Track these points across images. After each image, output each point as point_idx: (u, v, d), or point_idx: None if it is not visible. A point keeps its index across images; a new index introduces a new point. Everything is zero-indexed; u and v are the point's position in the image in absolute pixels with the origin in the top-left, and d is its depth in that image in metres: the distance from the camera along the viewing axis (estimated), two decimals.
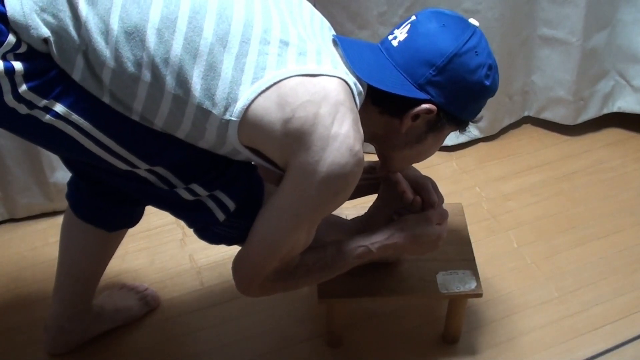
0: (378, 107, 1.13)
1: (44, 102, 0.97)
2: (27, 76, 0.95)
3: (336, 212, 1.24)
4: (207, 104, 0.99)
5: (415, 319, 1.53)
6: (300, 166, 1.02)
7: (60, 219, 1.38)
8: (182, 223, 1.21)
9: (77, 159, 1.13)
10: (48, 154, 1.68)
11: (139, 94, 0.98)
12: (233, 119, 1.00)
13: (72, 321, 1.42)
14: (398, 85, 1.08)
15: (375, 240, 1.21)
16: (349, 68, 1.07)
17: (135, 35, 0.95)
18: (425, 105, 1.10)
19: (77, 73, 0.97)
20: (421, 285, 1.37)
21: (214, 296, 1.60)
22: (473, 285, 1.36)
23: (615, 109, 2.09)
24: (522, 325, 1.52)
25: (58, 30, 0.94)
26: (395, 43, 1.11)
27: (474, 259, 1.41)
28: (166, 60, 0.96)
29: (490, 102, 1.19)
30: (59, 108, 0.98)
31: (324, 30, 1.14)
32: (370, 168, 1.35)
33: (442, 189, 1.33)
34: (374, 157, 1.29)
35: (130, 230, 1.39)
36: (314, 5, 1.19)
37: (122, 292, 1.56)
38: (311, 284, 1.29)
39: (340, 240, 1.22)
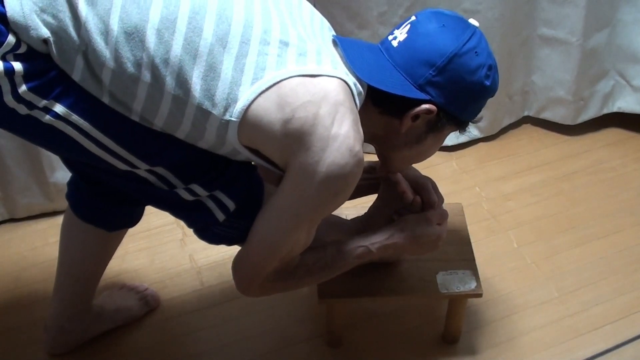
0: (378, 108, 1.13)
1: (43, 103, 0.97)
2: (26, 77, 0.95)
3: (336, 212, 1.24)
4: (206, 105, 0.99)
5: (415, 319, 1.53)
6: (300, 166, 1.02)
7: (60, 219, 1.38)
8: (182, 223, 1.21)
9: (77, 159, 1.13)
10: (48, 154, 1.68)
11: (139, 94, 0.98)
12: (233, 119, 1.00)
13: (72, 321, 1.42)
14: (398, 85, 1.08)
15: (375, 241, 1.22)
16: (348, 68, 1.07)
17: (135, 35, 0.95)
18: (425, 106, 1.10)
19: (77, 73, 0.97)
20: (421, 285, 1.37)
21: (214, 296, 1.60)
22: (473, 285, 1.36)
23: (615, 109, 2.09)
24: (522, 325, 1.52)
25: (58, 31, 0.94)
26: (395, 43, 1.11)
27: (474, 259, 1.41)
28: (166, 61, 0.96)
29: (490, 102, 1.19)
30: (58, 108, 0.98)
31: (324, 30, 1.14)
32: (370, 168, 1.35)
33: (442, 189, 1.33)
34: (374, 157, 1.29)
35: (130, 230, 1.39)
36: (314, 6, 1.19)
37: (122, 292, 1.56)
38: (311, 284, 1.29)
39: (340, 240, 1.22)
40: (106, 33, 0.95)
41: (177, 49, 0.96)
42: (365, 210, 1.39)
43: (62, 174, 1.72)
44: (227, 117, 1.00)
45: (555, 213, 1.82)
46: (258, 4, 1.03)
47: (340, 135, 1.00)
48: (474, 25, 1.11)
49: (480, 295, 1.36)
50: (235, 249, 1.18)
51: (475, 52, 1.08)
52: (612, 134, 2.10)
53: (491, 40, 1.18)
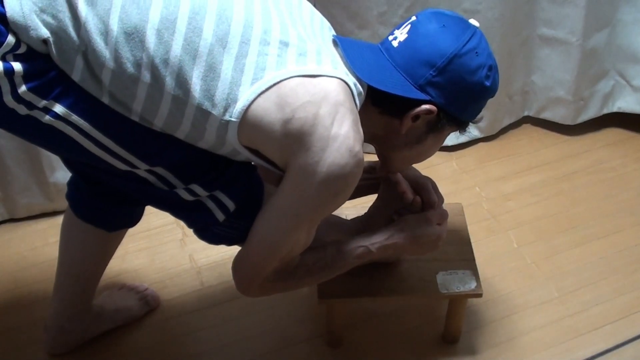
0: (378, 108, 1.13)
1: (43, 103, 0.97)
2: (26, 77, 0.95)
3: (336, 212, 1.24)
4: (206, 105, 0.99)
5: (415, 319, 1.53)
6: (300, 167, 1.02)
7: (60, 219, 1.38)
8: (182, 223, 1.21)
9: (77, 159, 1.13)
10: (48, 154, 1.68)
11: (139, 94, 0.98)
12: (233, 119, 1.00)
13: (72, 321, 1.42)
14: (398, 85, 1.08)
15: (375, 241, 1.21)
16: (349, 68, 1.07)
17: (134, 36, 0.95)
18: (425, 106, 1.10)
19: (77, 74, 0.97)
20: (421, 285, 1.37)
21: (214, 296, 1.60)
22: (473, 285, 1.36)
23: (615, 109, 2.09)
24: (522, 325, 1.52)
25: (57, 31, 0.94)
26: (395, 43, 1.11)
27: (474, 259, 1.41)
28: (166, 61, 0.96)
29: (490, 102, 1.19)
30: (58, 109, 0.98)
31: (324, 30, 1.14)
32: (370, 168, 1.35)
33: (442, 189, 1.33)
34: (374, 157, 1.29)
35: (130, 230, 1.39)
36: (314, 6, 1.19)
37: (122, 292, 1.56)
38: (311, 284, 1.29)
39: (340, 241, 1.22)
40: (106, 33, 0.95)
41: (176, 49, 0.96)
42: (365, 210, 1.39)
43: (62, 174, 1.72)
44: (226, 117, 1.00)
45: (555, 213, 1.82)
46: (258, 4, 1.03)
47: (340, 135, 1.00)
48: (474, 26, 1.11)
49: (480, 295, 1.36)
50: (235, 249, 1.18)
51: (476, 53, 1.08)
52: (612, 134, 2.10)
53: (491, 40, 1.18)
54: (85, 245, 1.35)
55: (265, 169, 1.11)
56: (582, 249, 1.71)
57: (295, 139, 1.00)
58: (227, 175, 1.11)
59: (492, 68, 1.12)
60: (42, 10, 0.93)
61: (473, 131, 2.03)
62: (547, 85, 2.03)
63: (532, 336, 1.50)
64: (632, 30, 1.94)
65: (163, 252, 1.72)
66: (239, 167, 1.12)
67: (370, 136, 1.15)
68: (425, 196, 1.30)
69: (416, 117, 1.12)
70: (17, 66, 0.94)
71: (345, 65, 1.07)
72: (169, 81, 0.97)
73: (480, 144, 2.07)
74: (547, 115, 2.10)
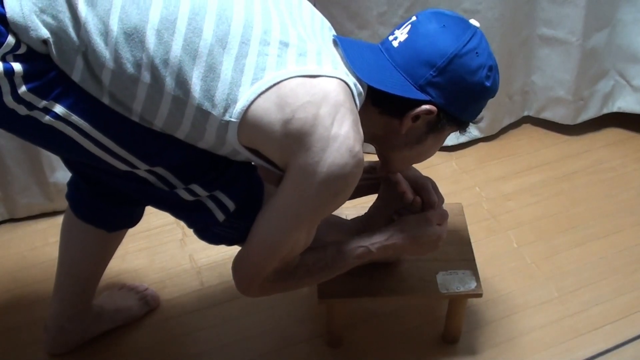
0: (378, 108, 1.13)
1: (43, 103, 0.97)
2: (26, 77, 0.95)
3: (336, 212, 1.24)
4: (206, 105, 0.99)
5: (415, 319, 1.53)
6: (300, 167, 1.02)
7: (60, 219, 1.38)
8: (182, 223, 1.21)
9: (77, 160, 1.13)
10: (48, 154, 1.68)
11: (139, 95, 0.98)
12: (233, 120, 1.00)
13: (72, 321, 1.42)
14: (398, 86, 1.08)
15: (375, 241, 1.21)
16: (349, 68, 1.07)
17: (134, 36, 0.95)
18: (425, 106, 1.10)
19: (77, 74, 0.97)
20: (421, 285, 1.37)
21: (214, 296, 1.60)
22: (473, 285, 1.36)
23: (615, 109, 2.09)
24: (522, 325, 1.52)
25: (57, 32, 0.94)
26: (395, 44, 1.11)
27: (474, 259, 1.41)
28: (166, 62, 0.96)
29: (490, 102, 1.19)
30: (58, 109, 0.98)
31: (324, 30, 1.14)
32: (371, 168, 1.35)
33: (442, 189, 1.33)
34: (374, 158, 1.29)
35: (130, 230, 1.39)
36: (314, 5, 1.19)
37: (122, 292, 1.56)
38: (311, 284, 1.29)
39: (340, 241, 1.22)
40: (106, 34, 0.95)
41: (176, 49, 0.96)
42: (365, 210, 1.39)
43: (62, 174, 1.72)
44: (226, 117, 1.00)
45: (555, 213, 1.82)
46: (258, 4, 1.03)
47: (340, 135, 1.00)
48: (474, 26, 1.11)
49: (480, 295, 1.36)
50: (235, 249, 1.18)
51: (476, 53, 1.08)
52: (612, 134, 2.10)
53: (491, 40, 1.18)
54: (85, 246, 1.35)
55: (265, 169, 1.11)
56: (582, 249, 1.71)
57: (295, 139, 1.00)
58: (227, 175, 1.11)
59: (493, 68, 1.12)
60: (42, 11, 0.93)
61: (473, 131, 2.03)
62: (547, 85, 2.03)
63: (532, 336, 1.50)
64: (632, 30, 1.94)
65: (163, 252, 1.72)
66: (239, 167, 1.12)
67: (370, 136, 1.15)
68: (426, 196, 1.30)
69: (416, 117, 1.12)
70: (17, 67, 0.94)
71: (346, 66, 1.07)
72: (169, 81, 0.97)
73: (480, 144, 2.07)
74: (547, 115, 2.10)
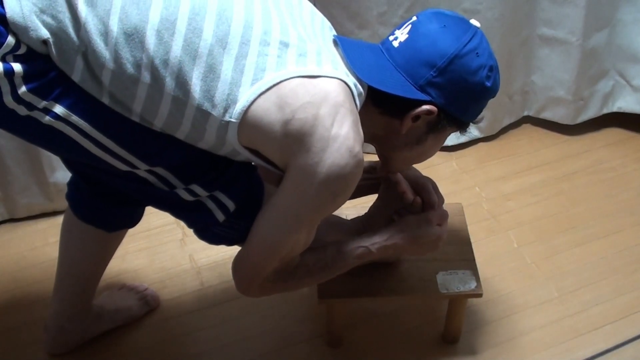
0: (378, 108, 1.13)
1: (43, 104, 0.97)
2: (26, 77, 0.95)
3: (336, 212, 1.24)
4: (206, 106, 0.99)
5: (415, 319, 1.53)
6: (300, 167, 1.02)
7: (60, 219, 1.38)
8: (182, 223, 1.21)
9: (77, 160, 1.13)
10: (48, 154, 1.68)
11: (139, 95, 0.98)
12: (233, 120, 1.00)
13: (72, 321, 1.42)
14: (398, 86, 1.08)
15: (375, 241, 1.21)
16: (349, 69, 1.07)
17: (134, 36, 0.95)
18: (425, 107, 1.10)
19: (77, 74, 0.97)
20: (421, 285, 1.37)
21: (214, 296, 1.60)
22: (473, 285, 1.36)
23: (615, 109, 2.09)
24: (522, 325, 1.52)
25: (57, 32, 0.94)
26: (395, 44, 1.11)
27: (474, 259, 1.41)
28: (166, 62, 0.96)
29: (490, 102, 1.19)
30: (58, 109, 0.98)
31: (324, 30, 1.14)
32: (371, 168, 1.35)
33: (442, 189, 1.33)
34: (374, 158, 1.29)
35: (130, 230, 1.39)
36: (314, 5, 1.19)
37: (122, 292, 1.56)
38: (311, 284, 1.29)
39: (340, 241, 1.22)
40: (106, 34, 0.95)
41: (176, 49, 0.96)
42: (365, 210, 1.39)
43: (62, 174, 1.72)
44: (226, 118, 1.00)
45: (555, 213, 1.82)
46: (258, 4, 1.03)
47: (340, 136, 1.00)
48: (475, 26, 1.11)
49: (480, 295, 1.36)
50: (235, 249, 1.18)
51: (476, 53, 1.08)
52: (612, 134, 2.10)
53: (491, 40, 1.18)
54: (85, 246, 1.35)
55: (265, 169, 1.11)
56: (582, 249, 1.71)
57: (295, 139, 1.00)
58: (227, 175, 1.11)
59: (493, 68, 1.12)
60: (42, 11, 0.93)
61: (473, 131, 2.03)
62: (547, 85, 2.03)
63: (532, 336, 1.50)
64: (632, 30, 1.94)
65: (163, 252, 1.72)
66: (239, 167, 1.12)
67: (370, 136, 1.15)
68: (426, 196, 1.30)
69: (416, 117, 1.12)
70: (17, 67, 0.94)
71: (346, 66, 1.07)
72: (169, 82, 0.97)
73: (480, 144, 2.07)
74: (547, 115, 2.10)
